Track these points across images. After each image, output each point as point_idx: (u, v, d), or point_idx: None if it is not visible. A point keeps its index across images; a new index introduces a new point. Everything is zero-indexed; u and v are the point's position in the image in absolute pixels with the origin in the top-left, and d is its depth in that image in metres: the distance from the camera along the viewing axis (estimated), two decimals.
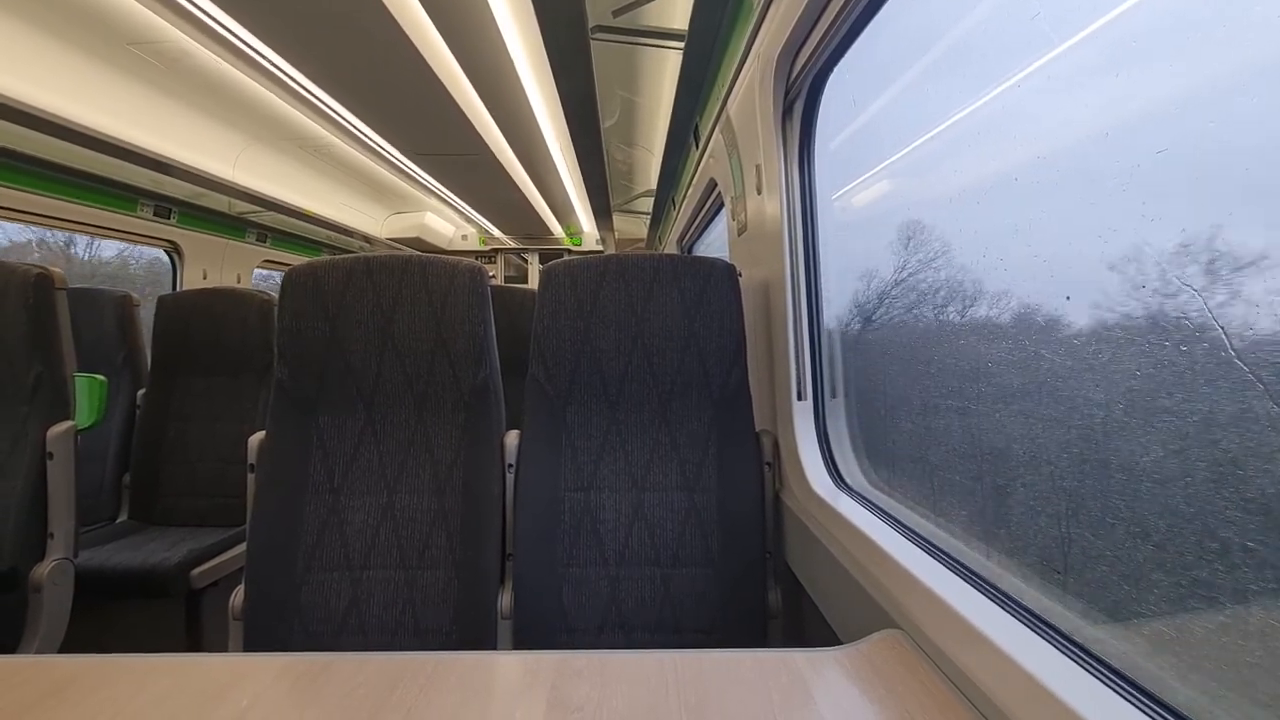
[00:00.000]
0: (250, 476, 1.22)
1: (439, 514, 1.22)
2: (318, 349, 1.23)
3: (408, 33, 1.75)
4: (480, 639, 1.15)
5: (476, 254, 5.80)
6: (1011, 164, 0.87)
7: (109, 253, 3.60)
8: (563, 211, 4.76)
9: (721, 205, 2.25)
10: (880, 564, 0.87)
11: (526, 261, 6.32)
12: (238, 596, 1.16)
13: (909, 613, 0.75)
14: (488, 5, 1.69)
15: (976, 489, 0.98)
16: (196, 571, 1.86)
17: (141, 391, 2.30)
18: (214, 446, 2.21)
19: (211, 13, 1.65)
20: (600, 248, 5.75)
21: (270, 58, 1.91)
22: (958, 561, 0.84)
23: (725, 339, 1.27)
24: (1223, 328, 0.54)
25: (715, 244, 3.31)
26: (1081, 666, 0.59)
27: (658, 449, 1.28)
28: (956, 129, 0.99)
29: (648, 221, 4.76)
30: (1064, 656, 0.61)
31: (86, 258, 3.57)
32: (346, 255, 1.28)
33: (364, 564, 1.19)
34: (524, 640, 1.16)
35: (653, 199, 3.85)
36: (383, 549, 1.20)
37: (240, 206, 3.21)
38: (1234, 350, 0.53)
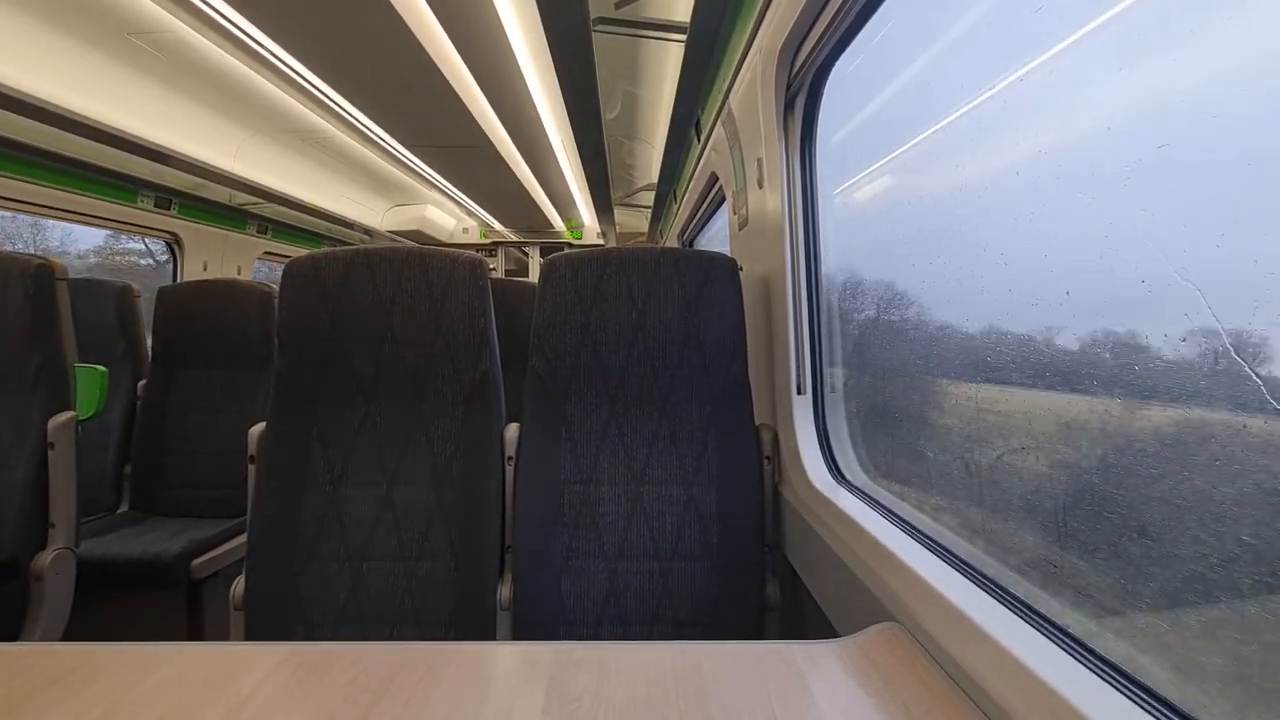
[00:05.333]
0: (250, 468, 1.22)
1: (438, 506, 1.22)
2: (317, 341, 1.23)
3: (409, 24, 1.74)
4: (479, 630, 1.16)
5: (477, 247, 5.78)
6: (1014, 159, 0.86)
7: None
8: (564, 205, 4.74)
9: (723, 199, 2.25)
10: (878, 558, 0.87)
11: (527, 255, 6.31)
12: (238, 587, 1.16)
13: (906, 606, 0.75)
14: None
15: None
16: (197, 562, 1.87)
17: (142, 382, 2.31)
18: (214, 437, 2.21)
19: (212, 3, 1.64)
20: (601, 241, 5.73)
21: (271, 49, 1.90)
22: (955, 555, 0.84)
23: (726, 333, 1.27)
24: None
25: (716, 239, 3.30)
26: (1076, 659, 0.59)
27: (657, 442, 1.28)
28: (959, 124, 0.99)
29: (649, 215, 4.75)
30: (1059, 649, 0.61)
31: None
32: (346, 247, 1.28)
33: (363, 555, 1.20)
34: (523, 632, 1.16)
35: (654, 193, 3.84)
36: (382, 540, 1.21)
37: (241, 198, 3.20)
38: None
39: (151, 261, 4.03)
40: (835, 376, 1.40)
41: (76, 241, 3.41)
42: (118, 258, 4.02)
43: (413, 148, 3.06)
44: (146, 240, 3.69)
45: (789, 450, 1.34)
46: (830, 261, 1.40)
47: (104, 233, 3.40)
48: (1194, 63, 0.59)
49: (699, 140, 2.43)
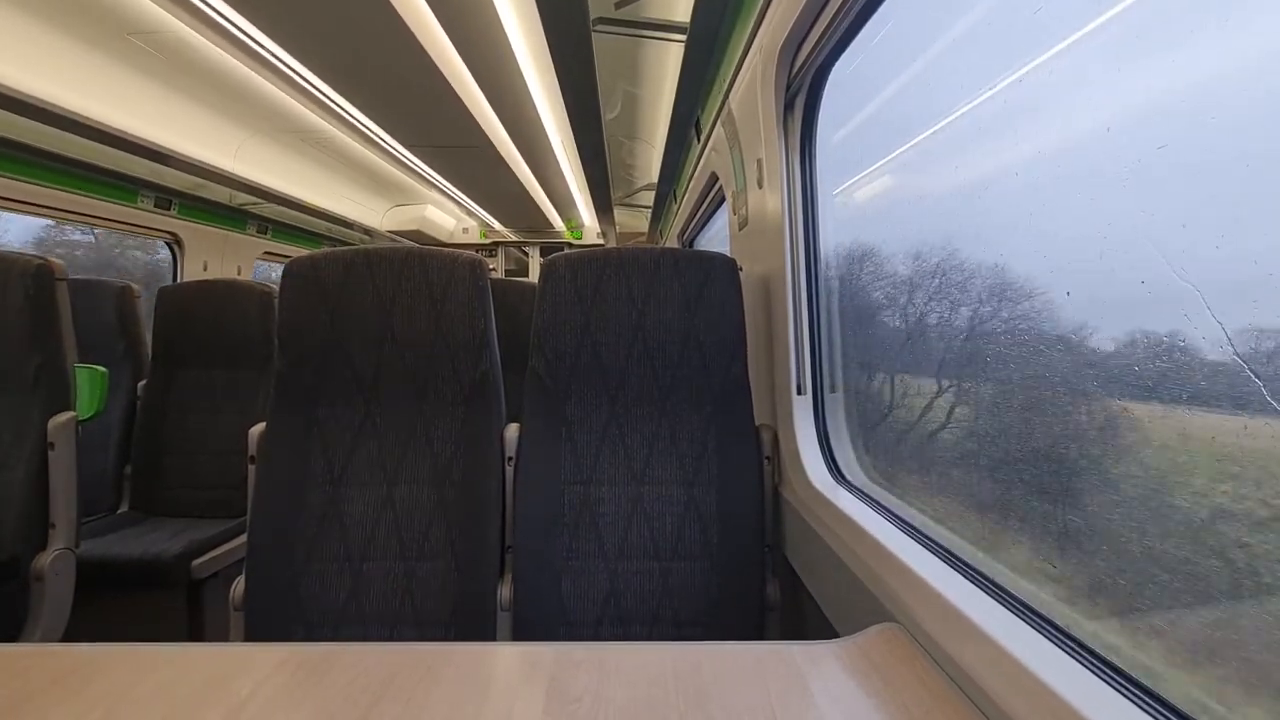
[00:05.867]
0: (250, 468, 1.22)
1: (438, 506, 1.22)
2: (317, 341, 1.24)
3: (409, 24, 1.74)
4: (479, 631, 1.16)
5: (477, 247, 5.78)
6: (1014, 159, 0.86)
7: None
8: (564, 205, 4.74)
9: (723, 199, 2.25)
10: (878, 558, 0.87)
11: (527, 255, 6.31)
12: (238, 587, 1.17)
13: (906, 606, 0.75)
14: None
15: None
16: (197, 562, 1.87)
17: (142, 382, 2.31)
18: (215, 438, 2.21)
19: (213, 4, 1.64)
20: (601, 241, 5.73)
21: (271, 49, 1.90)
22: (955, 556, 0.84)
23: (725, 333, 1.27)
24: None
25: (716, 239, 3.30)
26: (1075, 659, 0.59)
27: (657, 443, 1.28)
28: (958, 124, 0.99)
29: (649, 215, 4.75)
30: (1058, 649, 0.61)
31: None
32: (346, 248, 1.28)
33: (364, 555, 1.20)
34: (523, 632, 1.16)
35: (654, 193, 3.84)
36: (382, 540, 1.21)
37: (241, 198, 3.20)
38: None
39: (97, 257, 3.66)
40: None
41: (6, 231, 2.98)
42: (60, 250, 3.61)
43: (413, 148, 3.06)
44: (96, 231, 3.44)
45: (789, 450, 1.34)
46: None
47: (42, 222, 3.03)
48: (1193, 63, 0.59)
49: (699, 140, 2.43)
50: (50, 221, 3.01)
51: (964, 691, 0.61)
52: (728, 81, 1.74)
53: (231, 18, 1.71)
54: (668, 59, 2.15)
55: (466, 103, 2.38)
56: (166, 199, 2.96)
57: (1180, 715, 0.52)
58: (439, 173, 3.60)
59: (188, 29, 1.86)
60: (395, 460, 1.24)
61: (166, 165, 2.59)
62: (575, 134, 2.73)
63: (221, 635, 1.90)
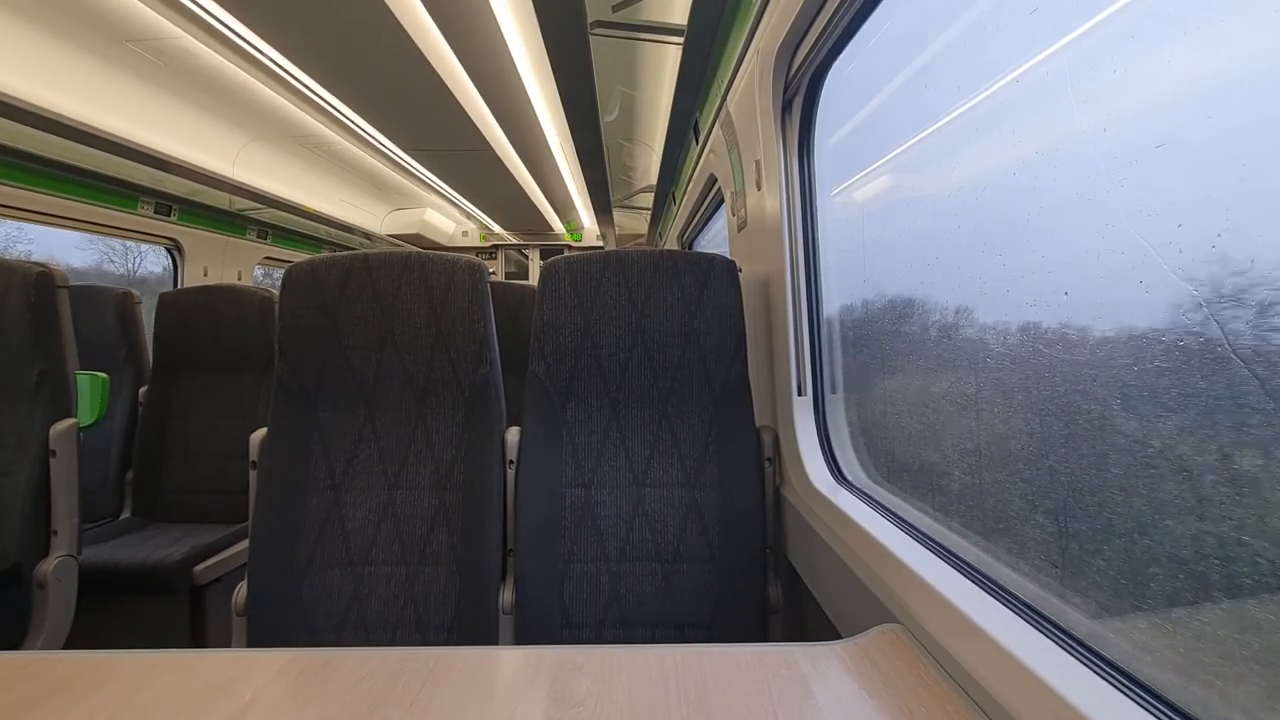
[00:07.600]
0: (252, 473, 1.22)
1: (440, 510, 1.23)
2: (318, 346, 1.24)
3: (407, 29, 1.75)
4: (481, 634, 1.16)
5: (477, 250, 5.80)
6: (1012, 159, 0.86)
7: None
8: (563, 207, 4.75)
9: (722, 201, 2.25)
10: (880, 559, 0.87)
11: (527, 257, 6.32)
12: (240, 592, 1.17)
13: (908, 607, 0.75)
14: (487, 1, 1.69)
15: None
16: (199, 568, 1.87)
17: (143, 389, 2.31)
18: (216, 443, 2.22)
19: (211, 10, 1.65)
20: (601, 244, 5.74)
21: (270, 55, 1.91)
22: (956, 556, 0.84)
23: (726, 334, 1.28)
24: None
25: (716, 240, 3.30)
26: (1078, 660, 0.59)
27: (658, 445, 1.28)
28: (957, 124, 0.99)
29: (648, 217, 4.76)
30: (1061, 650, 0.61)
31: None
32: (346, 252, 1.29)
33: (365, 560, 1.20)
34: (525, 636, 1.16)
35: (653, 195, 3.85)
36: (384, 545, 1.21)
37: (241, 203, 3.21)
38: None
39: None
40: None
41: None
42: None
43: (412, 152, 3.07)
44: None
45: (790, 452, 1.34)
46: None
47: None
48: (1191, 62, 0.59)
49: (697, 142, 2.44)
50: None
51: (966, 692, 0.61)
52: (726, 83, 1.74)
53: (230, 24, 1.72)
54: (665, 61, 2.15)
55: (465, 106, 2.39)
56: (166, 205, 2.97)
57: (1183, 715, 0.52)
58: (438, 176, 3.61)
59: (188, 36, 1.87)
60: (396, 464, 1.25)
61: (166, 171, 2.60)
62: (574, 136, 2.73)
63: (224, 641, 1.90)
